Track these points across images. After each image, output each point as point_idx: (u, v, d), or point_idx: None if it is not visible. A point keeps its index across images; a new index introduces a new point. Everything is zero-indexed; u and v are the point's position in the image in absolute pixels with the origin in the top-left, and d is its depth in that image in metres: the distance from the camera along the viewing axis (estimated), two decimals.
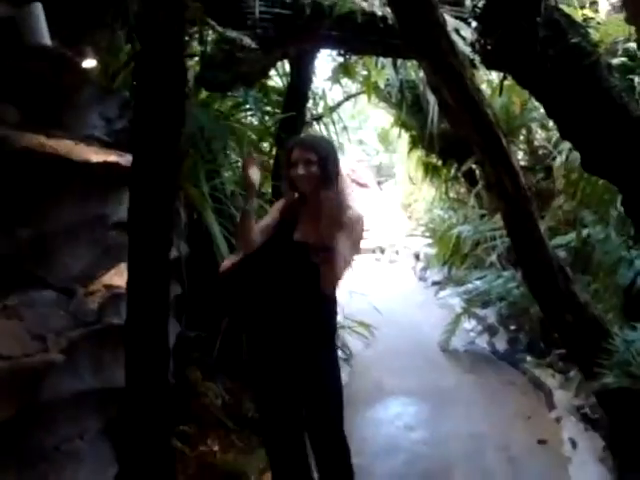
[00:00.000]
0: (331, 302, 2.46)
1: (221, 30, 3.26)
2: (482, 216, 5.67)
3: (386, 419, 3.86)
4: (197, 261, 3.63)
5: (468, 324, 5.58)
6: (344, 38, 3.72)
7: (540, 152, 6.14)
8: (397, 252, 9.79)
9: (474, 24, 3.11)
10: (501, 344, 5.18)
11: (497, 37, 2.20)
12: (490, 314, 5.72)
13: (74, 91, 3.19)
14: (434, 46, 2.26)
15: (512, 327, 5.39)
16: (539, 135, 6.29)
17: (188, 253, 3.57)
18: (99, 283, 2.87)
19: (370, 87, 4.49)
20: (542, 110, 5.91)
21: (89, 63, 2.94)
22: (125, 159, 2.95)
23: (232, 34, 3.30)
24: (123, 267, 2.70)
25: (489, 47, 2.45)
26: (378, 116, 11.67)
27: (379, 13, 3.23)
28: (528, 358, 4.71)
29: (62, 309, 2.65)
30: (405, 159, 8.34)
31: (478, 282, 4.98)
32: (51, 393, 2.45)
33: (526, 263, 2.52)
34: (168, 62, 2.46)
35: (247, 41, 3.37)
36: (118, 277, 2.93)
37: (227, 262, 2.62)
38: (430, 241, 8.03)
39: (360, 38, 3.71)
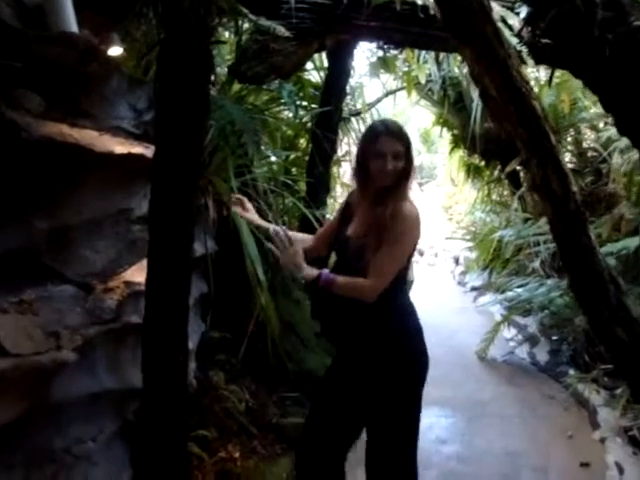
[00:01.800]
0: (402, 315, 2.21)
1: (254, 18, 3.12)
2: (526, 220, 5.41)
3: None
4: (225, 259, 3.51)
5: (508, 333, 5.33)
6: (383, 29, 3.55)
7: (589, 154, 5.84)
8: (436, 255, 9.55)
9: (523, 12, 2.91)
10: (542, 355, 4.91)
11: (549, 20, 1.99)
12: (531, 323, 5.46)
13: (101, 80, 3.10)
14: (478, 31, 2.07)
15: (554, 337, 5.12)
16: (588, 136, 5.97)
17: (216, 251, 3.45)
18: (119, 279, 2.77)
19: (411, 82, 4.29)
20: (592, 110, 5.65)
21: (115, 51, 2.83)
22: (152, 151, 2.81)
23: (266, 23, 3.17)
24: (146, 263, 2.58)
25: (539, 33, 2.22)
26: (420, 115, 11.43)
27: (420, 2, 3.05)
28: (571, 371, 4.44)
29: (79, 305, 2.55)
30: (447, 160, 8.08)
31: (520, 289, 4.73)
32: (64, 392, 2.35)
33: (574, 272, 2.30)
34: (193, 49, 2.33)
35: (282, 30, 3.23)
36: (140, 273, 2.82)
37: None
38: (470, 244, 7.78)
39: (400, 29, 3.54)
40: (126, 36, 3.51)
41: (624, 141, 4.75)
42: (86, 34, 2.82)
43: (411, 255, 2.17)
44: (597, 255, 2.22)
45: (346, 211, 2.33)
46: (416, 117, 11.95)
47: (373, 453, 2.25)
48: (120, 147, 2.88)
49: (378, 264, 2.01)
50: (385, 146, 2.07)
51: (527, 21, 2.36)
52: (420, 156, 14.14)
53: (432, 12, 3.26)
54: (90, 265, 2.79)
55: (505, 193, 6.86)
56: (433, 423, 3.77)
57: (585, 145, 5.98)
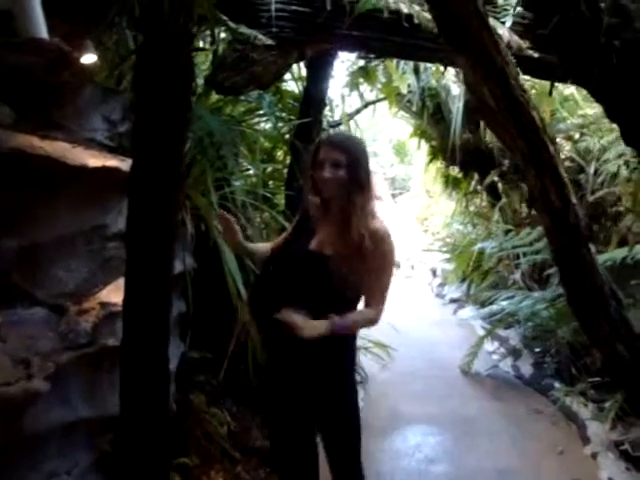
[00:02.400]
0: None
1: (234, 26, 3.01)
2: (507, 231, 5.37)
3: (405, 451, 3.55)
4: (204, 276, 3.37)
5: (490, 346, 5.26)
6: (365, 39, 3.47)
7: (566, 164, 5.84)
8: (413, 267, 9.48)
9: (508, 21, 2.85)
10: (526, 368, 4.85)
11: (552, 27, 1.92)
12: (513, 335, 5.41)
13: (74, 91, 2.97)
14: (474, 38, 1.99)
15: (537, 350, 5.07)
16: (563, 147, 5.98)
17: (194, 267, 3.31)
18: (94, 300, 2.61)
19: (392, 93, 4.21)
20: (569, 121, 5.66)
21: (89, 58, 2.69)
22: (127, 164, 2.67)
23: (246, 31, 3.06)
24: (122, 283, 2.44)
25: (541, 41, 2.15)
26: (393, 127, 11.44)
27: (405, 10, 2.96)
28: (556, 384, 4.38)
29: (51, 329, 2.39)
30: (423, 171, 8.04)
31: (504, 302, 4.67)
32: (36, 424, 2.18)
33: (573, 286, 2.23)
34: (173, 57, 2.21)
35: (262, 39, 3.13)
36: (116, 293, 2.67)
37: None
38: (448, 256, 7.73)
39: (383, 39, 3.46)
40: (98, 46, 3.36)
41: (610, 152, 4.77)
42: (57, 41, 2.68)
43: None
44: (597, 269, 2.15)
45: (305, 223, 2.23)
46: (390, 129, 11.99)
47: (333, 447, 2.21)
48: (94, 160, 2.73)
49: (380, 290, 2.03)
50: (323, 154, 2.05)
51: (528, 28, 2.29)
52: (393, 168, 14.19)
53: (416, 21, 3.20)
54: (63, 285, 2.64)
55: (483, 205, 6.84)
56: (420, 442, 3.67)
57: (562, 156, 5.98)
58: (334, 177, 2.01)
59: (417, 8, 3.03)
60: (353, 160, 2.04)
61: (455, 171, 6.72)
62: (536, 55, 2.91)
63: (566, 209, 2.10)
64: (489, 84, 2.04)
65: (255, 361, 3.40)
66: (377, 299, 2.01)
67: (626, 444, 3.29)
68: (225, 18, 2.97)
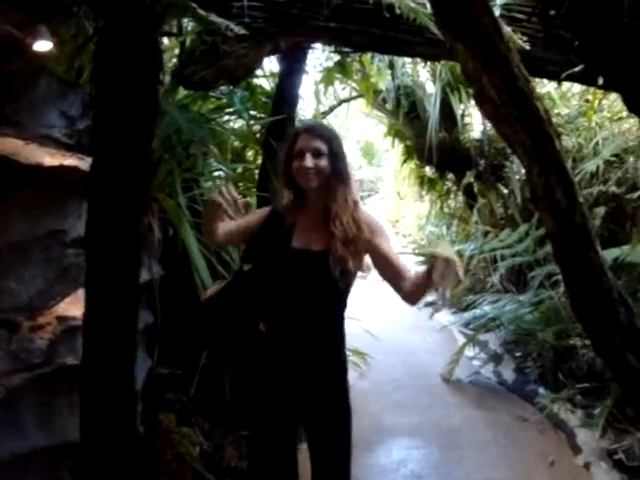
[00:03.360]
0: (342, 322, 2.05)
1: (203, 14, 2.77)
2: (486, 233, 5.23)
3: (389, 466, 3.35)
4: (172, 285, 3.13)
5: (470, 351, 5.10)
6: (343, 30, 3.27)
7: None
8: None
9: (497, 10, 2.69)
10: (508, 374, 4.71)
11: (567, 7, 1.75)
12: (492, 339, 5.27)
13: (27, 82, 2.70)
14: (474, 23, 1.81)
15: (518, 354, 4.94)
16: None
17: (162, 275, 3.07)
18: (51, 314, 2.36)
19: (369, 89, 4.02)
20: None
21: (43, 45, 2.43)
22: (87, 164, 2.43)
23: (216, 20, 2.83)
24: (82, 294, 2.19)
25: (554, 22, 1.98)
26: (361, 128, 11.27)
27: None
28: (540, 390, 4.24)
29: (1, 348, 2.13)
30: (395, 172, 7.88)
31: (487, 307, 4.52)
32: None
33: (578, 292, 2.06)
34: (138, 41, 1.98)
35: (234, 29, 2.90)
36: (75, 306, 2.42)
37: (210, 290, 2.11)
38: (422, 259, 7.58)
39: (361, 31, 3.27)
40: (55, 38, 3.09)
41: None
42: (7, 27, 2.41)
43: None
44: (606, 273, 1.99)
45: (275, 221, 2.03)
46: (357, 130, 11.80)
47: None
48: (50, 158, 2.48)
49: (400, 260, 1.97)
50: (303, 143, 1.93)
51: (540, 10, 2.12)
52: (361, 170, 14.03)
53: (398, 11, 3.01)
54: (15, 298, 2.38)
55: (458, 206, 6.71)
56: (405, 456, 3.47)
57: None
58: (316, 166, 1.90)
59: None
60: (335, 149, 1.95)
61: (430, 171, 6.59)
62: (526, 49, 2.74)
63: (572, 209, 1.93)
64: (490, 73, 1.87)
65: (228, 374, 3.19)
66: (404, 267, 1.93)
67: (620, 453, 3.16)
68: (194, 5, 2.73)
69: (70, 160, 2.56)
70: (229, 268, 3.22)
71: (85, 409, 2.13)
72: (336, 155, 1.94)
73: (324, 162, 1.90)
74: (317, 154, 1.90)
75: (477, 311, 4.69)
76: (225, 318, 2.02)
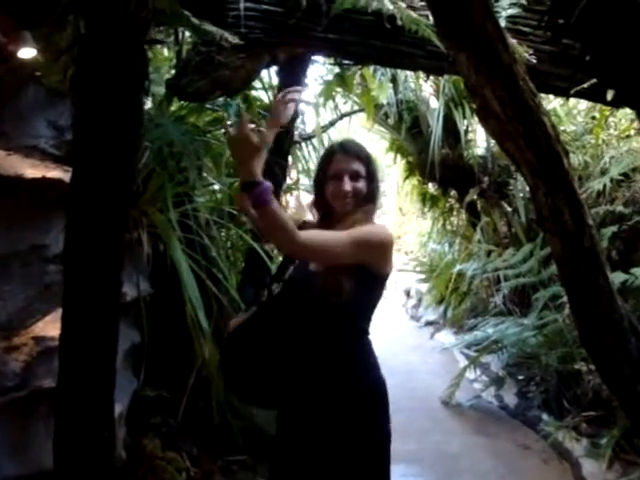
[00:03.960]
0: (352, 341, 1.82)
1: (197, 23, 2.68)
2: (489, 252, 5.10)
3: None
4: (161, 303, 3.01)
5: (470, 373, 4.96)
6: (343, 42, 3.17)
7: None
8: (385, 287, 9.14)
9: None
10: (510, 398, 4.56)
11: (577, 15, 1.63)
12: (494, 362, 5.12)
13: (12, 89, 2.60)
14: (477, 30, 1.70)
15: (520, 377, 4.79)
16: None
17: (150, 293, 2.94)
18: (27, 334, 2.23)
19: (370, 103, 3.92)
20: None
21: (27, 52, 2.33)
22: None
23: (211, 29, 2.73)
24: None
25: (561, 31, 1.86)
26: (363, 143, 11.16)
27: (389, 7, 2.67)
28: (544, 416, 4.09)
29: None
30: (397, 188, 7.76)
31: (490, 329, 4.37)
32: None
33: (585, 319, 1.93)
34: (122, 47, 1.87)
35: (229, 38, 2.81)
36: (54, 325, 2.28)
37: (234, 321, 1.93)
38: (422, 277, 7.45)
39: (362, 43, 3.17)
40: (48, 47, 3.00)
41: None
42: None
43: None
44: (616, 300, 1.86)
45: None
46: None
47: None
48: (32, 170, 2.37)
49: (319, 235, 1.73)
50: (341, 165, 1.82)
51: (548, 20, 2.01)
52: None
53: (399, 22, 2.91)
54: None
55: (461, 223, 6.59)
56: None
57: None
58: (354, 189, 1.79)
59: (403, 5, 2.74)
60: (372, 171, 1.86)
61: (433, 188, 6.47)
62: (532, 62, 2.64)
63: (581, 232, 1.81)
64: (494, 86, 1.75)
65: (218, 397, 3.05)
66: (309, 235, 1.67)
67: None
68: (187, 13, 2.64)
69: (54, 172, 2.45)
70: (221, 286, 3.10)
71: (58, 437, 1.99)
72: (373, 177, 1.85)
73: (361, 184, 1.80)
74: (355, 176, 1.80)
75: (479, 333, 4.55)
76: (254, 350, 1.84)
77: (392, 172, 9.90)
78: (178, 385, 3.01)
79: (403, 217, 9.67)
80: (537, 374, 4.57)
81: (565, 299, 4.07)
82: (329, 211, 1.88)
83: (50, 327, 2.28)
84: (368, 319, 1.86)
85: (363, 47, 3.19)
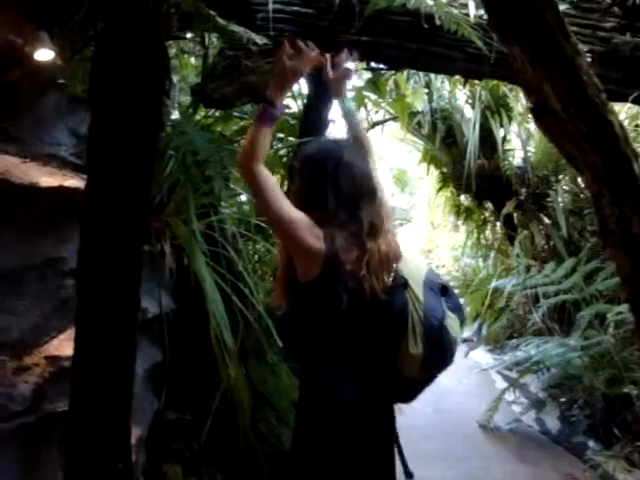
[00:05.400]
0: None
1: (224, 23, 2.53)
2: (528, 268, 4.85)
3: None
4: (185, 320, 2.84)
5: (509, 395, 4.69)
6: (377, 45, 3.00)
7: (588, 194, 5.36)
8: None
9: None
10: (552, 422, 4.29)
11: None
12: (533, 382, 4.86)
13: (31, 95, 2.48)
14: (535, 20, 1.50)
15: (562, 400, 4.52)
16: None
17: (173, 309, 2.79)
18: (40, 353, 2.08)
19: (405, 110, 3.73)
20: None
21: (44, 54, 2.20)
22: None
23: (238, 29, 2.58)
24: None
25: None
26: (393, 155, 10.98)
27: (430, 3, 2.48)
28: (590, 443, 3.83)
29: None
30: (429, 201, 7.53)
31: (532, 350, 4.12)
32: None
33: None
34: (141, 44, 1.73)
35: (257, 39, 2.65)
36: (70, 344, 2.13)
37: None
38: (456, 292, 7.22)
39: (397, 45, 2.99)
40: (72, 53, 2.89)
41: None
42: (4, 35, 2.19)
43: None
44: None
45: None
46: (389, 156, 11.50)
47: None
48: (48, 179, 2.24)
49: (272, 185, 1.65)
50: None
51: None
52: (393, 197, 13.69)
53: (438, 22, 2.73)
54: (5, 333, 2.11)
55: (496, 237, 6.34)
56: None
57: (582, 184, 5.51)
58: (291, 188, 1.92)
59: (443, 1, 2.56)
60: (304, 170, 1.81)
61: (467, 200, 6.23)
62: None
63: None
64: (554, 81, 1.55)
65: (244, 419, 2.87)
66: (265, 178, 1.61)
67: None
68: (213, 13, 2.49)
69: (72, 181, 2.32)
70: (247, 302, 2.93)
71: (70, 468, 1.84)
72: (306, 177, 1.82)
73: (297, 183, 1.82)
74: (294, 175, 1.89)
75: (520, 353, 4.29)
76: None
77: (424, 184, 9.72)
78: (202, 407, 2.84)
79: (434, 230, 9.43)
80: (580, 397, 4.30)
81: (613, 318, 3.84)
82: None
83: (66, 346, 2.13)
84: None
85: (398, 50, 3.02)
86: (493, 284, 5.19)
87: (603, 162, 1.58)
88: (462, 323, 1.79)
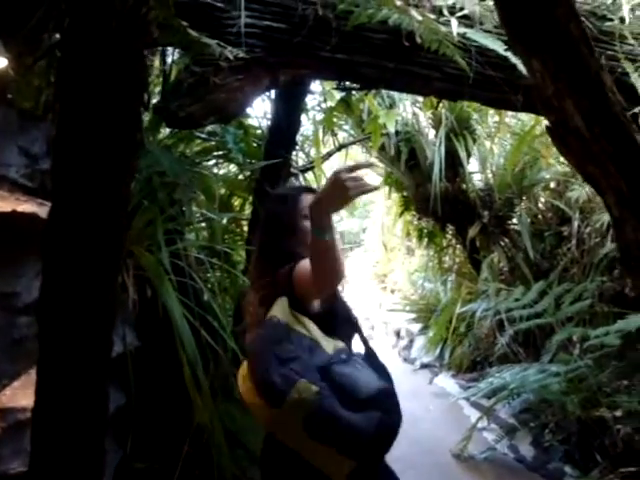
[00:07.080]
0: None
1: (196, 36, 2.35)
2: (498, 291, 4.78)
3: None
4: (150, 357, 2.60)
5: (481, 422, 4.57)
6: (352, 63, 2.88)
7: (548, 215, 5.39)
8: (373, 328, 8.74)
9: None
10: (526, 448, 4.18)
11: None
12: (501, 408, 4.75)
13: None
14: (558, 32, 1.40)
15: (532, 424, 4.43)
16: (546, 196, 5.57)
17: (137, 346, 2.54)
18: None
19: (377, 131, 3.61)
20: (558, 167, 5.22)
21: None
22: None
23: (210, 42, 2.40)
24: None
25: None
26: None
27: (418, 18, 2.37)
28: (567, 469, 3.73)
29: None
30: (389, 224, 7.45)
31: (507, 376, 4.02)
32: None
33: None
34: (118, 51, 1.53)
35: (230, 55, 2.48)
36: (26, 392, 1.88)
37: None
38: (413, 316, 7.12)
39: (373, 64, 2.88)
40: (19, 67, 2.63)
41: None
42: None
43: None
44: None
45: None
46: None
47: None
48: (0, 203, 1.99)
49: None
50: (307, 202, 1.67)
51: None
52: (342, 221, 13.62)
53: (419, 40, 2.63)
54: None
55: (457, 260, 6.29)
56: None
57: (542, 206, 5.54)
58: None
59: (430, 17, 2.45)
60: None
61: (428, 223, 6.17)
62: None
63: None
64: (577, 97, 1.44)
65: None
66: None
67: None
68: (184, 23, 2.31)
69: (26, 206, 2.07)
70: (217, 337, 2.71)
71: None
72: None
73: None
74: None
75: (495, 380, 4.18)
76: None
77: (376, 207, 9.67)
78: (170, 452, 2.59)
79: (388, 254, 9.36)
80: (551, 421, 4.22)
81: (591, 342, 3.78)
82: (291, 256, 1.69)
83: (20, 395, 1.87)
84: None
85: (374, 69, 2.91)
86: (461, 309, 5.11)
87: (627, 185, 1.48)
88: None
